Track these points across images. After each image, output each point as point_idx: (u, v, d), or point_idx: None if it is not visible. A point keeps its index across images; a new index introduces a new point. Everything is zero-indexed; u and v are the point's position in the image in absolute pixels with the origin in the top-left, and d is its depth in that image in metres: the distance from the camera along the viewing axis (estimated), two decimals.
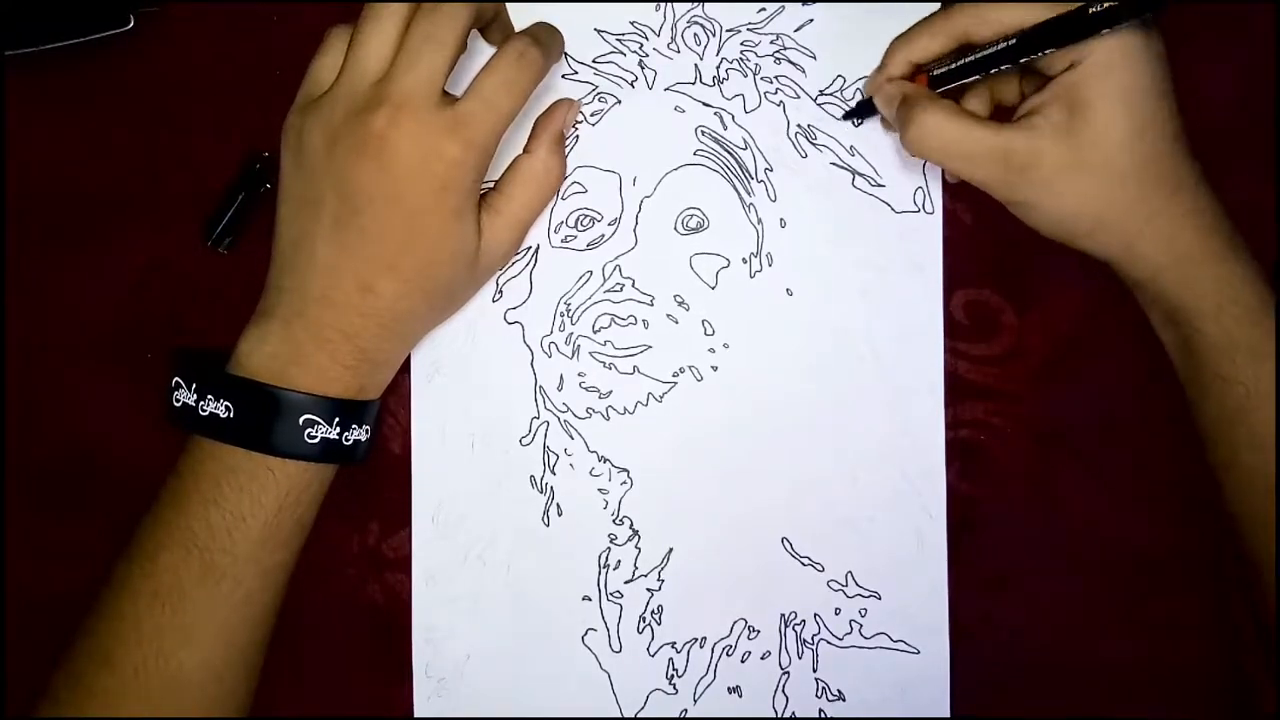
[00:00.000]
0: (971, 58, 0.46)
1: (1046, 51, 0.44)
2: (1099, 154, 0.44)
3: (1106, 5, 0.42)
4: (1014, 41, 0.44)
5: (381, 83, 0.44)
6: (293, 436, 0.44)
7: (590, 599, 0.52)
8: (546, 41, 0.46)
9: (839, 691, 0.51)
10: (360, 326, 0.45)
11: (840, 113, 0.51)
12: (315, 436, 0.45)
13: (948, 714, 0.51)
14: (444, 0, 0.44)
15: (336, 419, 0.45)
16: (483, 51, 0.49)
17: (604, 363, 0.51)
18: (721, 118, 0.51)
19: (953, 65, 0.46)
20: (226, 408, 0.44)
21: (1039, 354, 0.52)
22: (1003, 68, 0.45)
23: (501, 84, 0.45)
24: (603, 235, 0.51)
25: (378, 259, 0.44)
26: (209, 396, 0.45)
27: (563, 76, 0.51)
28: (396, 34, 0.44)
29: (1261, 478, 0.45)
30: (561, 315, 0.51)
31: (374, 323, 0.45)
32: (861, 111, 0.50)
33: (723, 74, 0.51)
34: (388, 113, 0.43)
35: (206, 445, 0.45)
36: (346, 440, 0.46)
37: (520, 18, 0.50)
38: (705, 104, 0.51)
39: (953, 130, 0.45)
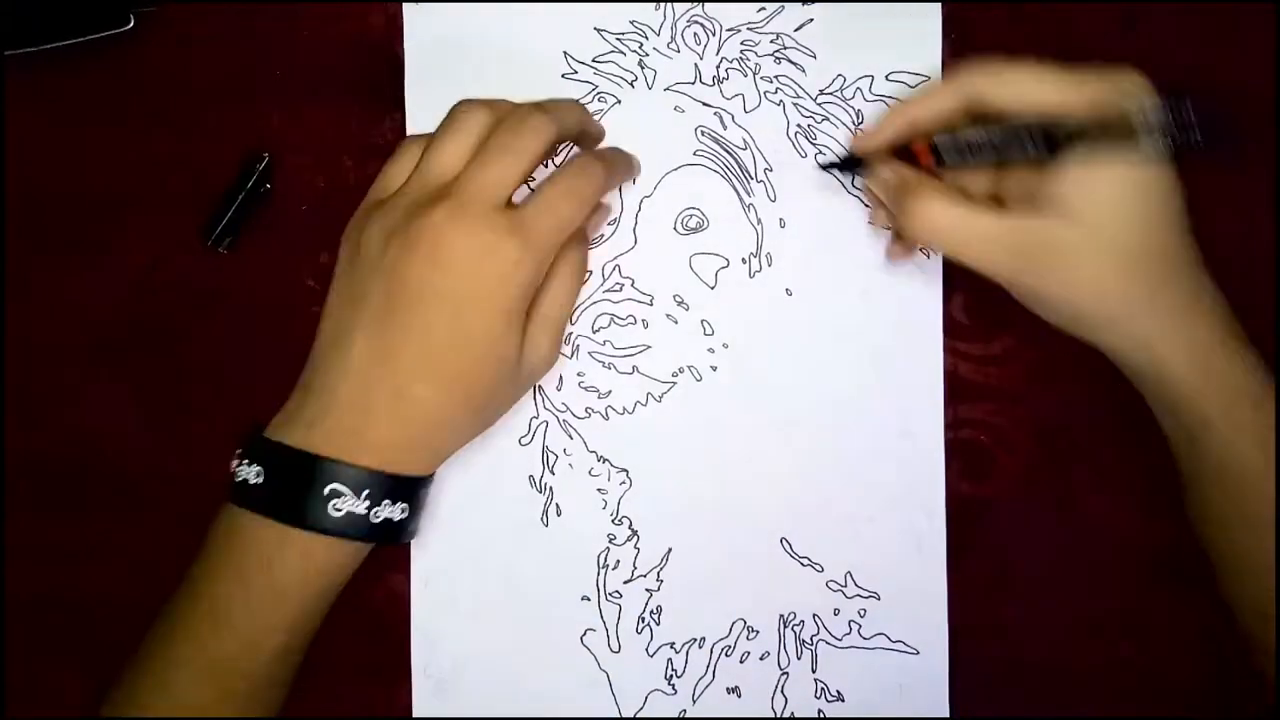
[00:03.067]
0: (994, 137, 0.43)
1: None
2: (1115, 240, 0.42)
3: (1157, 133, 0.40)
4: (1044, 138, 0.42)
5: (449, 182, 0.43)
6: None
7: (589, 599, 0.51)
8: (614, 159, 0.47)
9: (838, 692, 0.51)
10: (389, 437, 0.42)
11: (843, 113, 0.51)
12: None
13: (947, 714, 0.51)
14: (536, 114, 0.44)
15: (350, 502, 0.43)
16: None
17: (603, 362, 0.51)
18: (721, 118, 0.51)
19: (967, 144, 0.44)
20: (258, 474, 0.43)
21: (1039, 353, 0.52)
22: (1030, 154, 0.42)
23: (565, 191, 0.44)
24: (602, 235, 0.51)
25: (418, 361, 0.42)
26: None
27: (562, 76, 0.51)
28: (473, 145, 0.44)
29: (1262, 560, 0.44)
30: None
31: (403, 431, 0.43)
32: (845, 166, 0.49)
33: (723, 74, 0.51)
34: (448, 208, 0.42)
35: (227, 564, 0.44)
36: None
37: (521, 18, 0.50)
38: (705, 104, 0.51)
39: (960, 219, 0.43)
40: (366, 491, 0.42)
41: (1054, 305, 0.44)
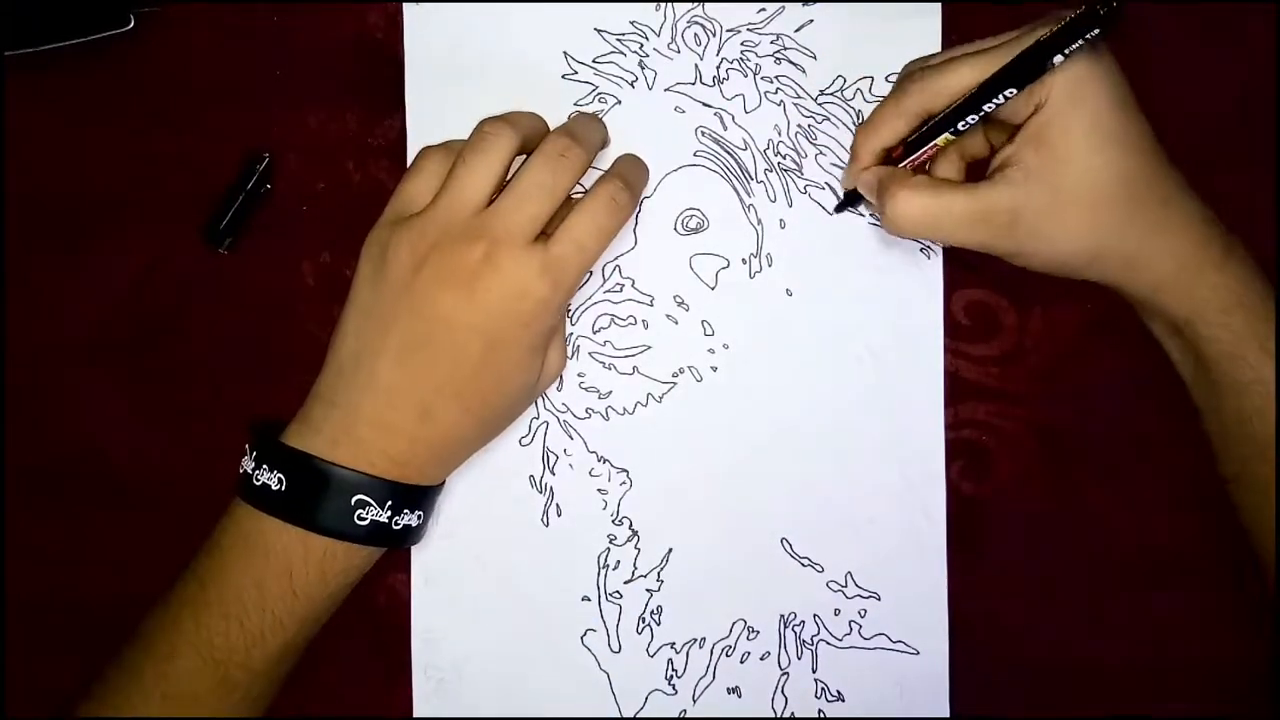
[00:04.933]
0: (935, 119, 0.45)
1: (1008, 94, 0.43)
2: (1080, 188, 0.43)
3: (1054, 29, 0.42)
4: (973, 93, 0.44)
5: (483, 215, 0.44)
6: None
7: (589, 599, 0.52)
8: (635, 182, 0.47)
9: (838, 692, 0.51)
10: (409, 453, 0.45)
11: (843, 113, 0.51)
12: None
13: (947, 714, 0.51)
14: (572, 148, 0.45)
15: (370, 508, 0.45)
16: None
17: (604, 363, 0.51)
18: (721, 118, 0.51)
19: (920, 130, 0.45)
20: (279, 481, 0.44)
21: (1039, 354, 0.52)
22: (970, 122, 0.44)
23: (594, 229, 0.45)
24: None
25: (444, 386, 0.44)
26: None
27: (562, 77, 0.51)
28: (503, 168, 0.45)
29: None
30: None
31: (424, 448, 0.45)
32: (850, 202, 0.50)
33: (723, 74, 0.51)
34: (485, 247, 0.43)
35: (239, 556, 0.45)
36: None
37: (521, 18, 0.50)
38: (705, 104, 0.51)
39: (929, 203, 0.44)
40: (389, 503, 0.44)
41: (1034, 261, 0.45)
